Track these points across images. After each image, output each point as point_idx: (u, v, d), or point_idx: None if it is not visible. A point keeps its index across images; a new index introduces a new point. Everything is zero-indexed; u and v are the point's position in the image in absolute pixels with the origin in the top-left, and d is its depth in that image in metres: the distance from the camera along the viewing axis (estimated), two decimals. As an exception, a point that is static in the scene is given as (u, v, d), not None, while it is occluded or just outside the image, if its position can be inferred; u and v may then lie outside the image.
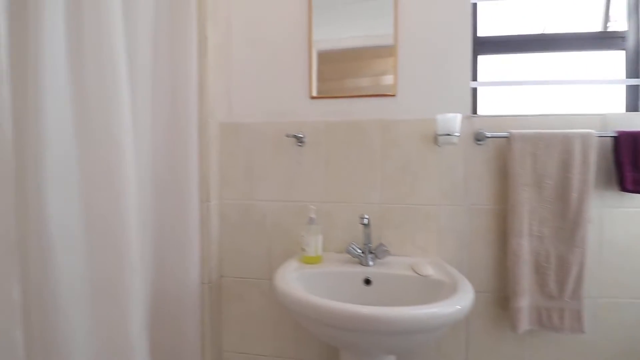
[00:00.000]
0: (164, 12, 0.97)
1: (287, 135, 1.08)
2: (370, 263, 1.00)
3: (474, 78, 1.11)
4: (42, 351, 0.64)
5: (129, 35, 0.78)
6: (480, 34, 1.12)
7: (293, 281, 0.91)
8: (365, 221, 0.98)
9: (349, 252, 1.01)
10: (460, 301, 0.76)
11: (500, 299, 1.04)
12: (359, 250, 1.01)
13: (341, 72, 1.10)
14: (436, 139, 1.02)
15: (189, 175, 1.03)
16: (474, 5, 1.11)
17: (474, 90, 1.11)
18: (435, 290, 0.88)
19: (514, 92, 1.14)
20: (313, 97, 1.11)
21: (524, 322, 0.96)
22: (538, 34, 1.12)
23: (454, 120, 0.95)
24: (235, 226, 1.17)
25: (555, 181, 0.95)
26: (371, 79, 1.09)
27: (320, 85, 1.11)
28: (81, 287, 0.69)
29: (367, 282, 0.97)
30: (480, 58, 1.12)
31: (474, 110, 1.11)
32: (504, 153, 1.01)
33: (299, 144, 1.11)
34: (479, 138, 1.02)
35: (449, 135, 0.96)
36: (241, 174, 1.16)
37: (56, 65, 0.64)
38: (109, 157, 0.71)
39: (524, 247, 0.96)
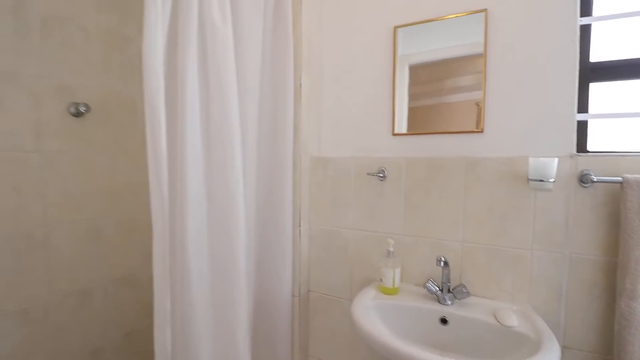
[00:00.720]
0: (268, 68, 1.16)
1: (369, 174, 1.16)
2: (448, 302, 1.01)
3: (583, 110, 0.98)
4: (181, 344, 0.90)
5: (242, 104, 0.98)
6: (594, 59, 0.98)
7: (369, 310, 0.99)
8: (442, 263, 0.99)
9: (426, 287, 1.04)
10: (542, 365, 0.73)
11: (604, 362, 0.93)
12: (437, 288, 1.03)
13: (433, 76, 1.12)
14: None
15: (285, 204, 1.21)
16: (587, 27, 0.98)
17: (582, 124, 0.98)
18: (516, 345, 0.85)
19: (636, 125, 0.97)
20: (395, 134, 1.16)
21: (633, 397, 0.84)
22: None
23: (549, 166, 0.88)
24: (322, 249, 1.31)
25: (689, 239, 0.80)
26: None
27: (413, 90, 1.14)
28: (205, 301, 0.92)
29: (444, 321, 0.98)
30: (592, 86, 0.99)
31: (582, 147, 0.98)
32: (617, 198, 0.89)
33: (381, 178, 1.18)
34: (584, 181, 0.92)
35: (542, 181, 0.89)
36: (328, 202, 1.29)
37: (194, 143, 0.89)
38: (226, 208, 0.93)
39: (637, 312, 0.83)
